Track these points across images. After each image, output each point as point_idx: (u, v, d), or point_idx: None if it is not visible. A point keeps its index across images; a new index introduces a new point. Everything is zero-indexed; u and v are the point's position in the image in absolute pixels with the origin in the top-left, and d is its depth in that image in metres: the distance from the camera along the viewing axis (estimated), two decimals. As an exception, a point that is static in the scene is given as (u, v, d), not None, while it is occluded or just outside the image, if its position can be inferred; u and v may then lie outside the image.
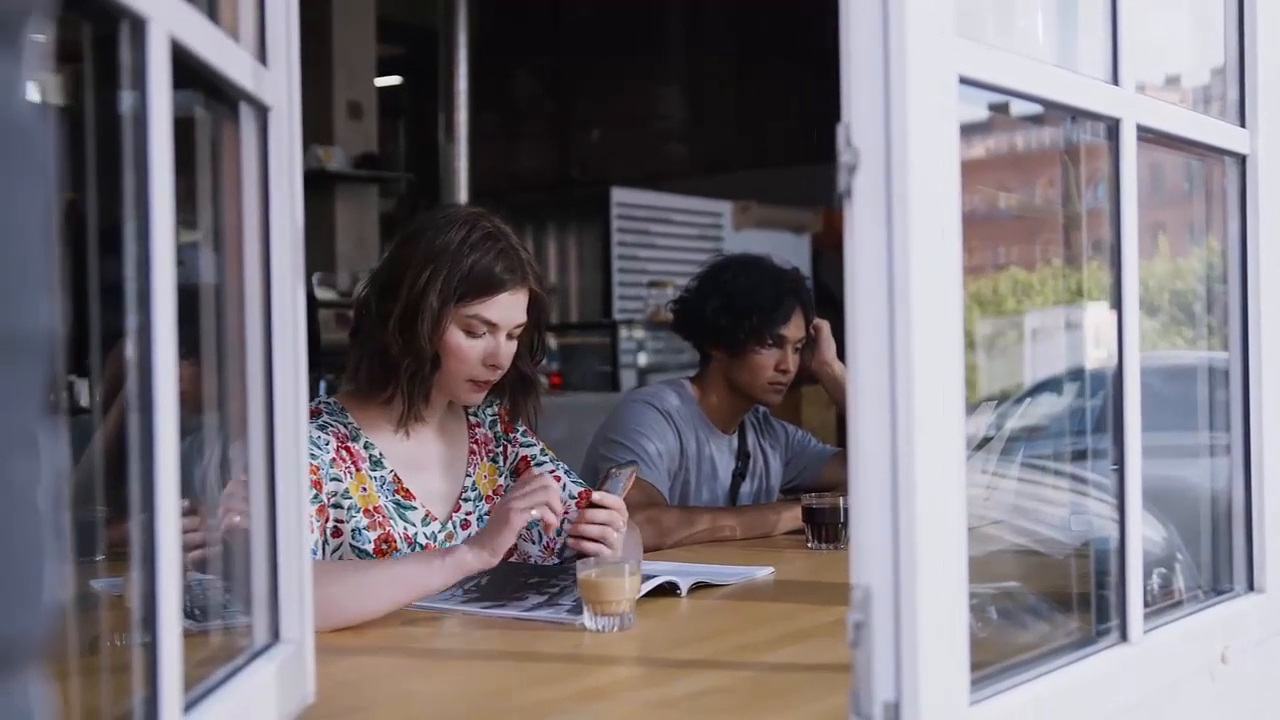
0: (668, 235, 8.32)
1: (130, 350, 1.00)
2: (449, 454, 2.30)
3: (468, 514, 2.28)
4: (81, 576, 1.37)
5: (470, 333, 2.16)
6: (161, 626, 1.00)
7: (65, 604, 0.58)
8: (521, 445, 2.39)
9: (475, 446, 2.34)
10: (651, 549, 2.66)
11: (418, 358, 2.14)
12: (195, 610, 1.36)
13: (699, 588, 2.14)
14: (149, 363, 1.00)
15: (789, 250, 6.81)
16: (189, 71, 1.10)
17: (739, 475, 3.09)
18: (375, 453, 2.19)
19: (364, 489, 2.14)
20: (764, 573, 2.31)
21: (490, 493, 2.33)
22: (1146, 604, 1.52)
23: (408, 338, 2.13)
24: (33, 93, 0.54)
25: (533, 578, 2.10)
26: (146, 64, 0.99)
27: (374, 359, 2.17)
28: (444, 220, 2.18)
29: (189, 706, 1.08)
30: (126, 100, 1.01)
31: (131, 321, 1.01)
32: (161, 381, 1.00)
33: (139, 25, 0.98)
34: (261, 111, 1.33)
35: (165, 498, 1.00)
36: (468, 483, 2.30)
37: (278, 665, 1.31)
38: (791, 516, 2.78)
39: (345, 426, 2.18)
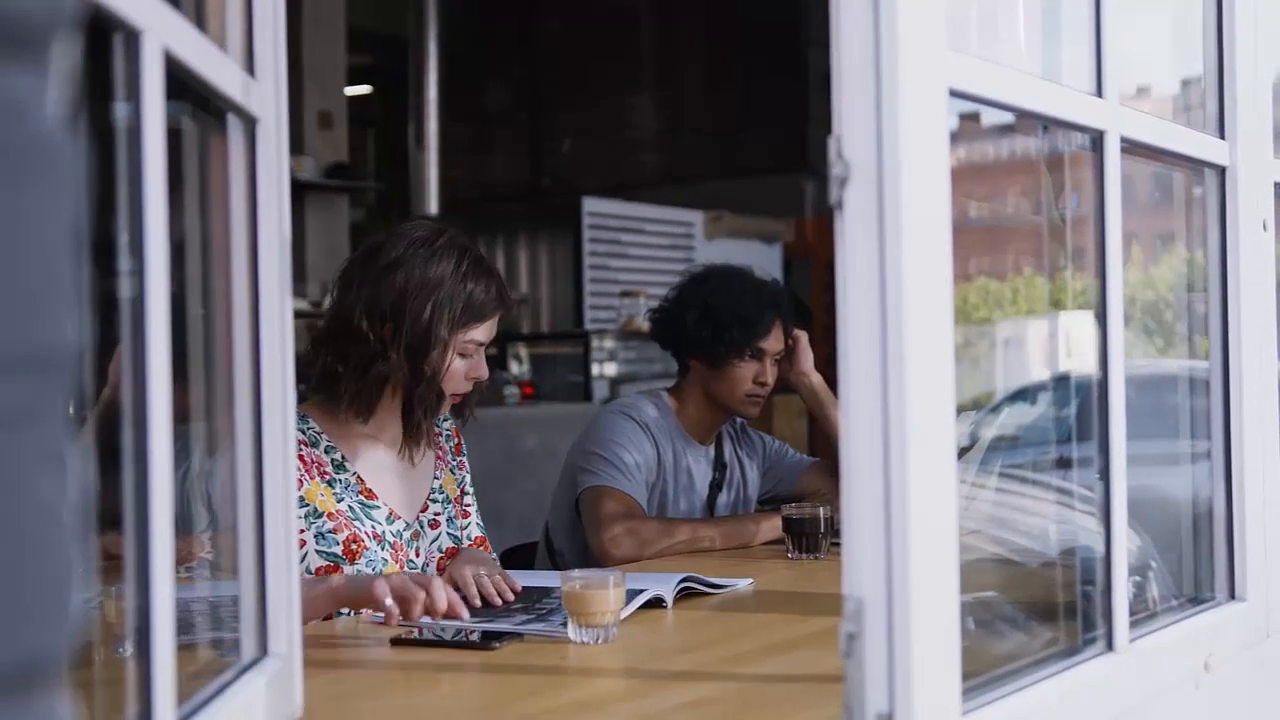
0: (639, 245, 8.32)
1: (124, 361, 0.99)
2: (414, 465, 2.35)
3: (436, 514, 2.35)
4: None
5: (463, 355, 2.25)
6: (155, 641, 0.99)
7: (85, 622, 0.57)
8: (466, 471, 2.48)
9: (440, 452, 2.42)
10: (631, 560, 2.66)
11: (431, 388, 2.21)
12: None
13: (685, 596, 2.14)
14: (143, 376, 0.99)
15: (760, 260, 6.81)
16: (179, 82, 1.10)
17: (716, 486, 3.09)
18: (338, 456, 2.24)
19: (323, 494, 2.19)
20: (744, 584, 2.31)
21: (453, 499, 2.41)
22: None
23: (417, 370, 2.20)
24: (58, 106, 0.54)
25: (518, 601, 2.09)
26: (140, 75, 0.99)
27: (375, 387, 2.21)
28: (424, 248, 2.22)
29: (181, 722, 1.07)
30: (119, 111, 1.00)
31: (123, 332, 1.00)
32: (155, 394, 0.99)
33: (133, 37, 0.98)
34: (250, 123, 1.32)
35: (159, 511, 1.00)
36: (435, 485, 2.37)
37: (267, 679, 1.30)
38: (771, 527, 2.79)
39: (304, 432, 2.21)
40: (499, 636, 1.83)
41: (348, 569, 2.16)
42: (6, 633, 0.51)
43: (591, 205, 8.19)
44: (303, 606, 1.96)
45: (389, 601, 1.84)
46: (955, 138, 1.51)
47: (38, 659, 0.52)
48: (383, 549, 2.21)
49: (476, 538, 2.41)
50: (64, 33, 0.56)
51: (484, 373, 2.29)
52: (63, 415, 0.55)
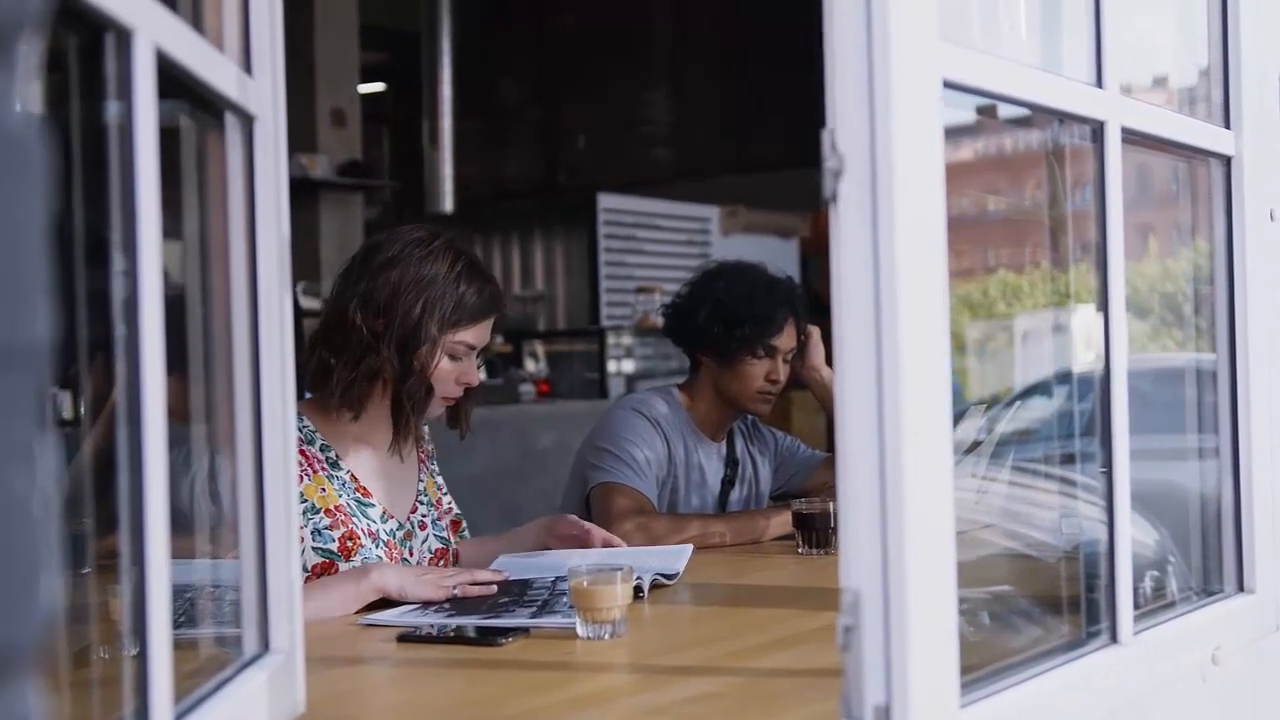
0: (655, 241, 8.32)
1: (118, 362, 1.00)
2: (402, 460, 2.38)
3: (423, 516, 2.40)
4: (71, 589, 1.36)
5: (453, 356, 2.28)
6: (152, 638, 1.00)
7: (60, 614, 0.58)
8: (438, 474, 2.50)
9: (423, 457, 2.46)
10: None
11: (419, 382, 2.24)
12: (180, 618, 1.35)
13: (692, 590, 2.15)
14: (137, 374, 0.99)
15: (776, 255, 6.82)
16: (173, 81, 1.10)
17: (728, 482, 3.09)
18: (332, 455, 2.27)
19: (323, 490, 2.23)
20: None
21: (434, 501, 2.44)
22: (1138, 606, 1.53)
23: (406, 365, 2.23)
24: (25, 103, 0.54)
25: (502, 597, 2.08)
26: (132, 74, 0.99)
27: (366, 380, 2.24)
28: (419, 248, 2.26)
29: (180, 716, 1.07)
30: (111, 110, 1.01)
31: (119, 332, 1.01)
32: (149, 393, 1.00)
33: (125, 36, 0.98)
34: (247, 121, 1.33)
35: (154, 510, 1.00)
36: (420, 487, 2.41)
37: (268, 675, 1.30)
38: (781, 522, 2.78)
39: (300, 431, 2.22)
40: (505, 632, 1.83)
41: (343, 566, 2.17)
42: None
43: (607, 201, 8.19)
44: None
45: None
46: (973, 131, 1.50)
47: (7, 649, 0.53)
48: (377, 546, 2.24)
49: (437, 550, 2.41)
50: (31, 32, 0.56)
51: (474, 379, 2.32)
52: (34, 409, 0.55)
